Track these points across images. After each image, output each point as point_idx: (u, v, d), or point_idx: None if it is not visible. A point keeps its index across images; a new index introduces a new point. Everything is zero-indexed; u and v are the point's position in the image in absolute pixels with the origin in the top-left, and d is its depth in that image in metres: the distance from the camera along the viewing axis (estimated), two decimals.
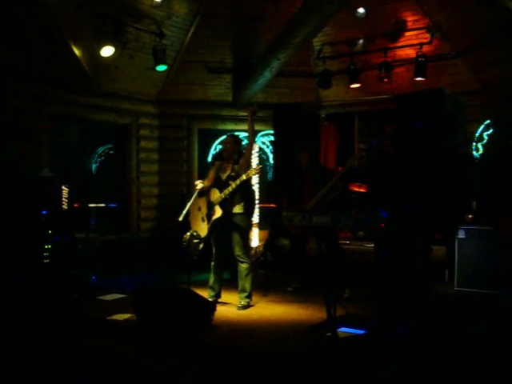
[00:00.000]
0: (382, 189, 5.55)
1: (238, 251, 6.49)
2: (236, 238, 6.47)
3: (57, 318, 6.01)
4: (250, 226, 8.93)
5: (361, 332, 5.25)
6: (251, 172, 6.19)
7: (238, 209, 6.46)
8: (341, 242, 8.13)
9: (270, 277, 8.79)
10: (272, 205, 9.81)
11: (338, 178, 6.37)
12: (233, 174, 6.43)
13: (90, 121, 9.68)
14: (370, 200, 5.68)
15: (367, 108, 10.36)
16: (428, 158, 7.32)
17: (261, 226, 9.84)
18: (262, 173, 10.54)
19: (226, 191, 6.34)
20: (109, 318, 5.94)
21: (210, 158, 10.90)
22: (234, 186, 6.29)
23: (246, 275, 6.54)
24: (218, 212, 6.40)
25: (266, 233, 9.77)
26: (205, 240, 6.53)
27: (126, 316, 5.94)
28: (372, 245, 6.44)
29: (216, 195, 6.47)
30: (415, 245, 5.80)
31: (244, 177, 6.22)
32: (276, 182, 9.68)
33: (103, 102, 9.67)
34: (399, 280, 5.46)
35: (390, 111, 8.38)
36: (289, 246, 8.16)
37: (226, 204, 6.40)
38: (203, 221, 6.53)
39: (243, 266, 6.54)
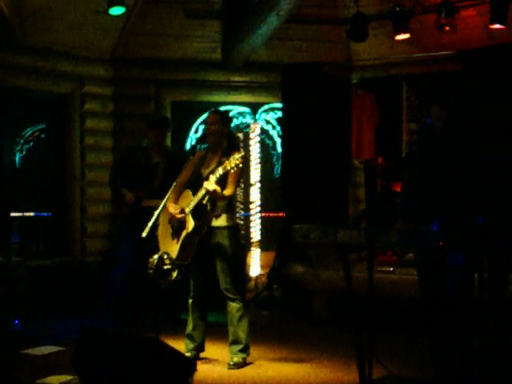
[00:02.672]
0: (437, 190, 5.56)
1: (224, 284, 6.50)
2: (221, 264, 6.48)
3: None
4: (243, 246, 8.96)
5: None
6: (229, 164, 6.14)
7: (221, 221, 6.47)
8: (382, 268, 8.17)
9: (276, 321, 8.80)
10: (279, 213, 9.85)
11: None
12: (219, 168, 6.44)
13: (12, 89, 9.70)
14: (419, 206, 5.67)
15: (420, 70, 10.37)
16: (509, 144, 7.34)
17: (264, 245, 9.89)
18: (265, 166, 10.57)
19: (200, 193, 6.32)
20: (39, 381, 5.93)
21: (189, 145, 10.93)
22: (212, 185, 6.22)
23: (240, 319, 6.54)
24: (190, 225, 6.37)
25: (270, 256, 9.80)
26: (179, 266, 6.54)
27: (64, 378, 5.95)
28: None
29: (188, 199, 6.47)
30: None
31: (220, 171, 6.17)
32: (286, 180, 9.71)
33: (31, 62, 9.69)
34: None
35: (454, 74, 8.42)
36: (305, 275, 8.20)
37: (202, 213, 6.40)
38: (174, 238, 6.54)
39: (234, 306, 6.54)
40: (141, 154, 7.90)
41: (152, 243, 6.62)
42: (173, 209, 6.48)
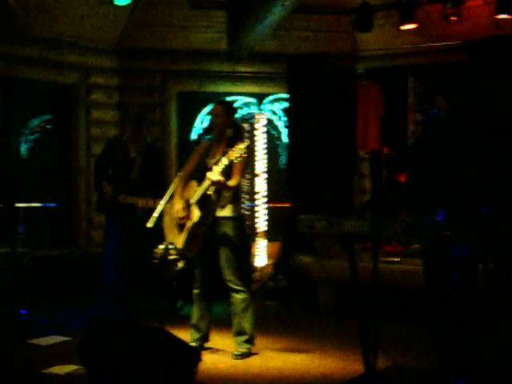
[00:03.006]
0: (442, 180, 5.56)
1: (229, 275, 6.50)
2: (225, 255, 6.48)
3: None
4: (247, 236, 8.95)
5: None
6: (233, 154, 6.14)
7: (226, 211, 6.48)
8: (388, 258, 8.17)
9: (281, 311, 8.81)
10: (285, 204, 9.84)
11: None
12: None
13: (17, 80, 9.72)
14: (424, 197, 5.67)
15: (426, 60, 10.34)
16: None
17: (270, 235, 9.88)
18: (271, 157, 10.56)
19: (205, 184, 6.34)
20: (45, 371, 5.97)
21: (195, 136, 10.93)
22: (215, 175, 6.23)
23: (244, 310, 6.54)
24: (195, 215, 6.40)
25: (276, 246, 9.80)
26: (184, 256, 6.55)
27: (70, 368, 5.97)
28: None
29: (193, 190, 6.49)
30: None
31: (224, 161, 6.18)
32: (292, 171, 9.71)
33: (36, 53, 9.71)
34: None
35: (460, 64, 8.39)
36: (310, 265, 8.20)
37: (207, 203, 6.41)
38: (180, 229, 6.54)
39: (238, 297, 6.55)
40: (118, 148, 7.85)
41: (155, 234, 6.63)
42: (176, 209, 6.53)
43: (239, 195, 6.76)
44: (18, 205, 8.33)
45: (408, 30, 9.91)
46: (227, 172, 6.26)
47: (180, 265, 6.53)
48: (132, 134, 7.79)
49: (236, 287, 6.52)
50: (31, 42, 9.53)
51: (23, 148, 10.60)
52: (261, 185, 10.22)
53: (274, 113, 11.12)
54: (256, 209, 10.18)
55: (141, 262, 7.73)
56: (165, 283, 6.83)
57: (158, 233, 6.68)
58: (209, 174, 6.19)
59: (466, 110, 5.68)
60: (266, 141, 10.26)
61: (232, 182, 6.32)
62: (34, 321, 7.69)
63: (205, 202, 6.41)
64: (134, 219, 7.44)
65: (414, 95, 10.54)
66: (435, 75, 10.08)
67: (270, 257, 9.79)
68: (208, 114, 10.62)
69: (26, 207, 8.87)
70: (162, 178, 7.87)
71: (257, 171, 10.17)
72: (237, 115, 9.99)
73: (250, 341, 6.57)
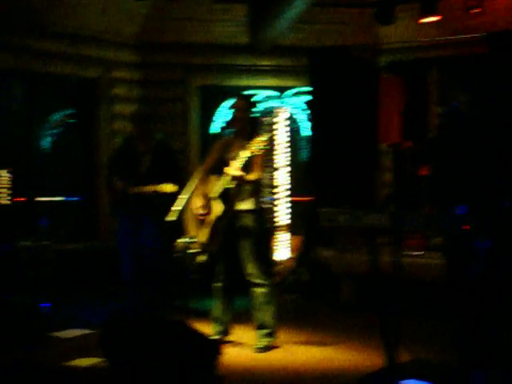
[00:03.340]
0: (464, 173, 5.53)
1: (250, 268, 6.51)
2: (246, 248, 6.49)
3: None
4: (268, 230, 8.96)
5: None
6: (253, 148, 6.15)
7: (246, 205, 6.49)
8: (410, 252, 8.15)
9: (303, 305, 8.82)
10: (307, 197, 9.83)
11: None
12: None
13: (40, 75, 9.77)
14: (446, 190, 5.64)
15: (448, 53, 10.28)
16: None
17: (292, 229, 9.88)
18: (293, 150, 10.56)
19: (225, 178, 6.35)
20: (67, 363, 6.02)
21: (217, 129, 10.94)
22: (234, 170, 6.25)
23: (265, 304, 6.56)
24: (217, 208, 6.42)
25: (298, 240, 9.79)
26: (207, 250, 6.57)
27: (92, 361, 6.02)
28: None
29: (213, 184, 6.49)
30: None
31: (244, 155, 6.19)
32: (314, 164, 9.70)
33: (58, 47, 9.75)
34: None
35: (482, 57, 8.34)
36: (332, 259, 8.19)
37: (227, 197, 6.41)
38: (202, 223, 6.56)
39: (260, 292, 6.56)
40: (129, 145, 7.94)
41: (175, 228, 6.66)
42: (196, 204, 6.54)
43: (259, 188, 6.76)
44: (40, 198, 8.38)
45: (430, 23, 9.88)
46: (247, 165, 6.26)
47: (201, 258, 6.55)
48: (140, 134, 7.86)
49: (257, 281, 6.53)
50: (53, 36, 9.57)
51: (46, 142, 10.66)
52: (282, 178, 10.24)
53: (296, 106, 11.11)
54: (278, 202, 10.19)
55: (159, 256, 7.77)
56: (184, 276, 6.84)
57: (179, 226, 6.70)
58: (227, 169, 6.20)
59: (487, 102, 5.64)
60: (287, 134, 10.27)
61: (251, 176, 6.33)
62: (56, 314, 7.74)
63: (225, 196, 6.42)
64: (147, 212, 7.51)
65: (435, 88, 10.50)
66: (456, 68, 10.04)
67: (291, 250, 9.79)
68: (230, 108, 10.62)
69: (49, 201, 8.92)
70: (173, 170, 7.91)
71: (278, 165, 10.18)
72: (258, 109, 9.97)
73: (271, 334, 6.58)
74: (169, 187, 7.17)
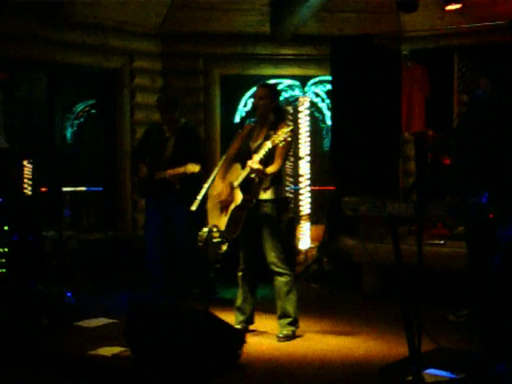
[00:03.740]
0: (486, 162, 5.51)
1: (272, 257, 6.50)
2: (268, 237, 6.48)
3: (17, 353, 6.14)
4: (291, 219, 8.97)
5: (459, 377, 5.25)
6: (277, 138, 6.13)
7: (268, 194, 6.47)
8: (432, 241, 8.13)
9: (326, 294, 8.82)
10: (329, 187, 9.83)
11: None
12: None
13: (63, 65, 9.82)
14: (469, 179, 5.63)
15: (472, 41, 10.24)
16: None
17: (314, 218, 9.88)
18: (315, 140, 10.56)
19: (246, 170, 6.31)
20: (91, 352, 6.03)
21: (238, 119, 10.95)
22: (254, 163, 6.24)
23: (288, 293, 6.55)
24: (238, 197, 6.42)
25: (320, 229, 9.79)
26: (229, 238, 6.57)
27: (116, 350, 6.02)
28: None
29: (237, 173, 6.51)
30: None
31: (268, 145, 6.17)
32: (336, 153, 9.68)
33: (81, 38, 9.79)
34: None
35: (506, 45, 8.29)
36: (354, 248, 8.19)
37: (250, 186, 6.42)
38: (223, 211, 6.57)
39: (282, 280, 6.55)
40: (154, 132, 8.06)
41: (201, 217, 6.71)
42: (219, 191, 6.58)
43: (282, 178, 6.75)
44: (63, 189, 8.42)
45: (453, 11, 9.81)
46: (270, 156, 6.26)
47: (224, 248, 6.56)
48: (164, 118, 7.94)
49: (279, 270, 6.52)
50: (75, 27, 9.61)
51: (69, 132, 10.72)
52: (305, 168, 10.25)
53: (318, 95, 11.09)
54: (300, 192, 10.20)
55: (185, 245, 7.81)
56: (207, 266, 6.86)
57: (202, 216, 6.73)
58: (249, 163, 6.20)
59: (510, 90, 5.62)
60: (309, 123, 10.27)
61: (272, 169, 6.30)
62: (80, 303, 7.77)
63: (248, 185, 6.42)
64: (173, 198, 7.59)
65: (459, 76, 10.46)
66: (479, 56, 9.99)
67: (314, 240, 9.80)
68: (251, 96, 10.63)
69: (72, 191, 8.96)
70: (198, 153, 7.96)
71: (301, 154, 10.19)
72: (280, 98, 9.98)
73: (293, 323, 6.58)
74: (196, 167, 7.26)
